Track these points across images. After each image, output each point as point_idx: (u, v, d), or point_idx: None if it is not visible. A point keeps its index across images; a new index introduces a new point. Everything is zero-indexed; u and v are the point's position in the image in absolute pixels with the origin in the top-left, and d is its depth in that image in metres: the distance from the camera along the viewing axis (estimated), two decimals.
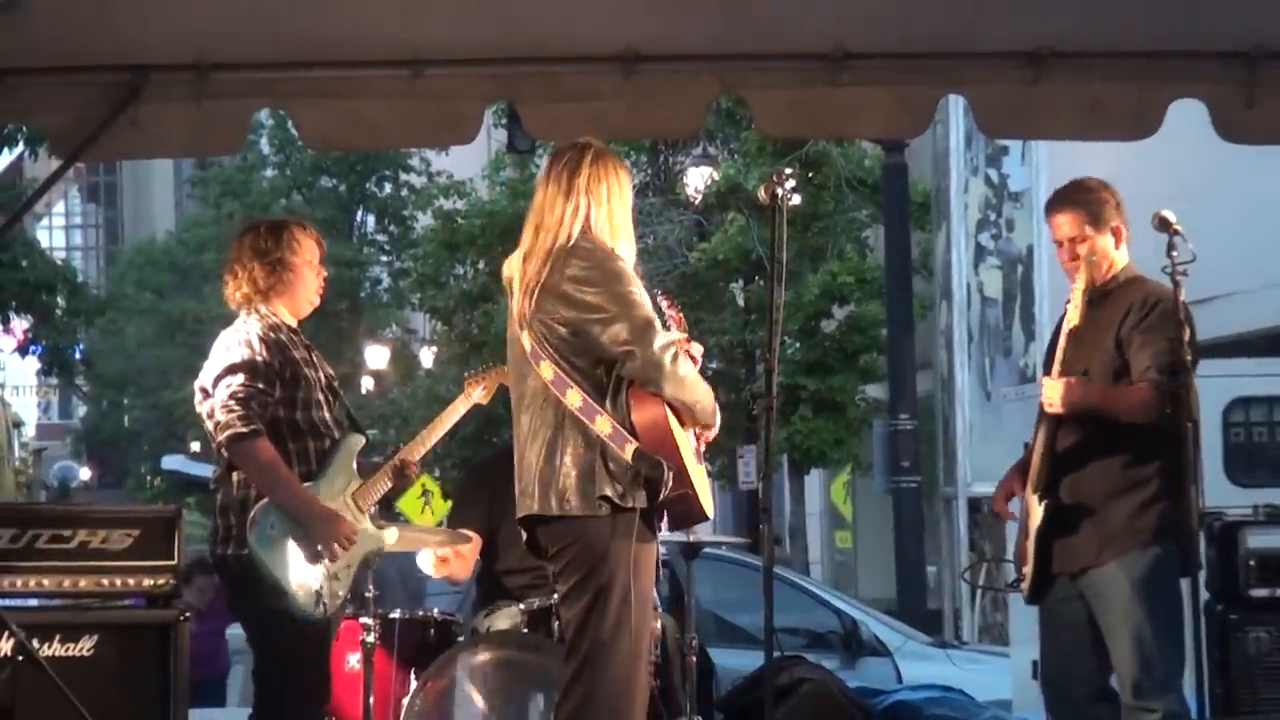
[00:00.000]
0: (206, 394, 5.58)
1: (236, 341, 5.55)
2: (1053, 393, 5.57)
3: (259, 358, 5.51)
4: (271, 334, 5.58)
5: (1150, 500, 5.53)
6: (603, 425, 4.86)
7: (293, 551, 5.43)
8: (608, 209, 5.05)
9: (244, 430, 5.40)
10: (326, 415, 5.63)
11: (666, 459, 4.83)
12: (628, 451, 4.84)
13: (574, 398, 4.89)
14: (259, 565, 5.38)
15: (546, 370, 4.93)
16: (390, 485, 5.76)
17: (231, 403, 5.43)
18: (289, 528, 5.43)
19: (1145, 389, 5.49)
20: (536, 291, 4.97)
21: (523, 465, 5.00)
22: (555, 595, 5.86)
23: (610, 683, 4.84)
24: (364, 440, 5.72)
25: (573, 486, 4.86)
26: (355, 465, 5.66)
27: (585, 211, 5.01)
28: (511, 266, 5.11)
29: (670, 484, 4.82)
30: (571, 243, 4.98)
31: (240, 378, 5.46)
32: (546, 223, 5.03)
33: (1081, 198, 5.74)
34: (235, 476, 5.51)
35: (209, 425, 5.57)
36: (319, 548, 5.44)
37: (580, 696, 4.85)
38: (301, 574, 5.43)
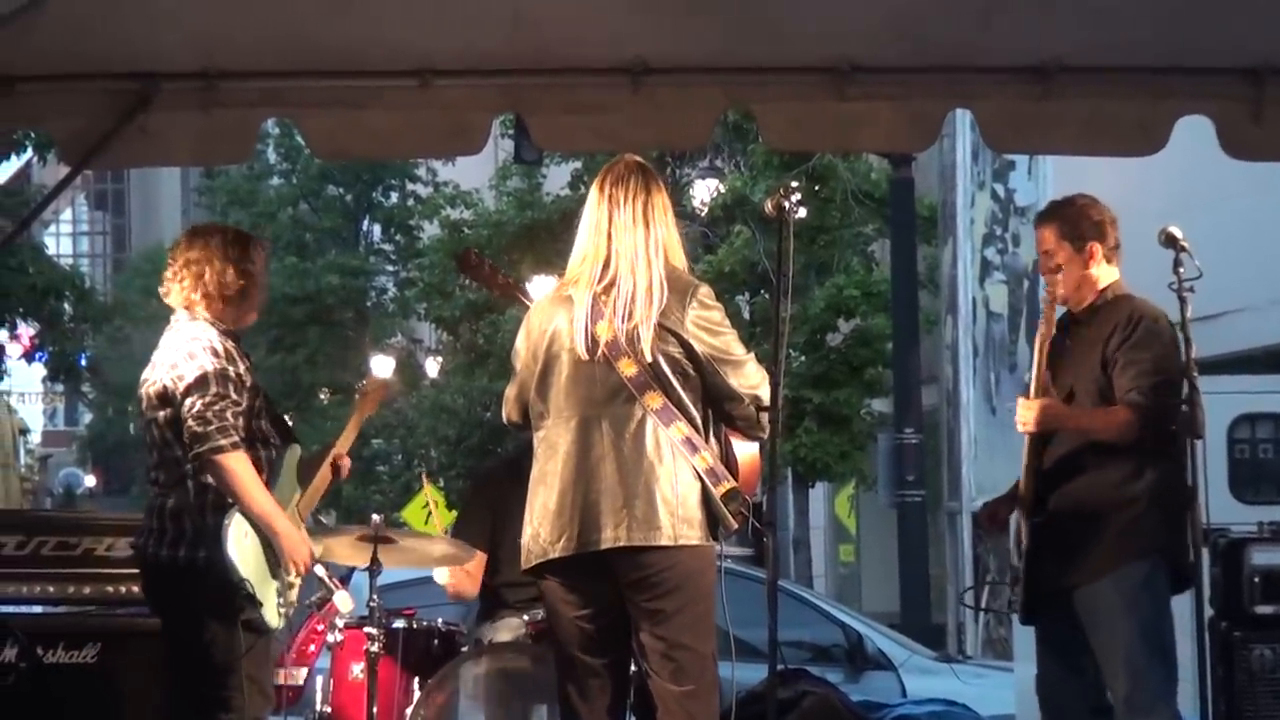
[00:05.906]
0: (165, 399, 5.47)
1: (202, 349, 5.47)
2: (1026, 415, 5.58)
3: (229, 368, 5.47)
4: (228, 341, 5.55)
5: (1139, 516, 5.52)
6: (702, 461, 4.93)
7: (261, 562, 5.42)
8: (674, 236, 5.09)
9: (224, 444, 5.33)
10: (265, 423, 5.60)
11: (748, 496, 5.02)
12: (721, 488, 4.93)
13: (679, 430, 4.92)
14: (232, 572, 5.33)
15: (654, 400, 4.92)
16: (328, 486, 5.81)
17: (209, 414, 5.35)
18: (258, 538, 5.41)
19: (1123, 411, 5.49)
20: (652, 322, 4.93)
21: (596, 487, 4.93)
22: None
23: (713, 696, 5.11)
24: (300, 451, 5.72)
25: (694, 517, 4.92)
26: (296, 476, 5.68)
27: (665, 240, 5.04)
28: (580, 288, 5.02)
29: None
30: (676, 274, 5.01)
31: (214, 389, 5.40)
32: (627, 248, 4.99)
33: (1062, 212, 5.76)
34: (190, 484, 5.45)
35: (160, 433, 5.48)
36: (287, 561, 5.44)
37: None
38: (268, 585, 5.43)
